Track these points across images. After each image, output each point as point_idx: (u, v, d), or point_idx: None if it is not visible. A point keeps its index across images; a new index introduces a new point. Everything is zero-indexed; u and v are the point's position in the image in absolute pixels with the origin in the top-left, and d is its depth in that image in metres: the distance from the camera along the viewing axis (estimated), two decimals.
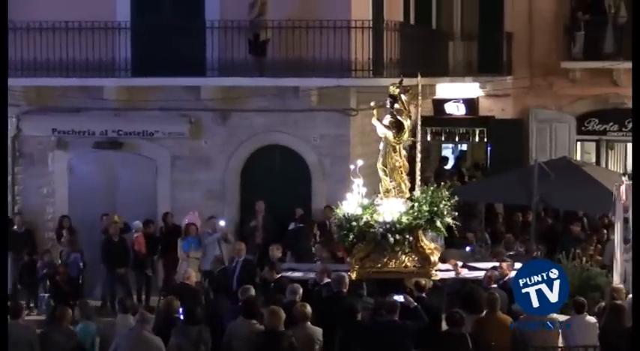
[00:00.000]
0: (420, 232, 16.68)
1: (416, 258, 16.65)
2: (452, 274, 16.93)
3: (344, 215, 16.68)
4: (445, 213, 16.72)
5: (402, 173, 16.87)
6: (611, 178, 19.04)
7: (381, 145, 16.91)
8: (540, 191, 19.66)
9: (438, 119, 29.49)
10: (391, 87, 16.90)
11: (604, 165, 27.66)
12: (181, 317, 14.26)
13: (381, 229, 16.42)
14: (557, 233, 21.79)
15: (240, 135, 22.03)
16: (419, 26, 25.32)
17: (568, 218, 22.72)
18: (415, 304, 14.42)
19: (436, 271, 16.71)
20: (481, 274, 16.73)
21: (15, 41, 21.16)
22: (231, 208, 22.08)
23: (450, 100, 29.15)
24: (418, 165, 17.32)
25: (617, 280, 16.66)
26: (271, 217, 21.29)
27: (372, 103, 17.14)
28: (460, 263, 17.30)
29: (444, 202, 16.73)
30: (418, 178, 17.22)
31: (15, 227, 21.44)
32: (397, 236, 16.41)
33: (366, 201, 16.73)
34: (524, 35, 27.98)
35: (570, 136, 27.88)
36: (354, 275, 16.38)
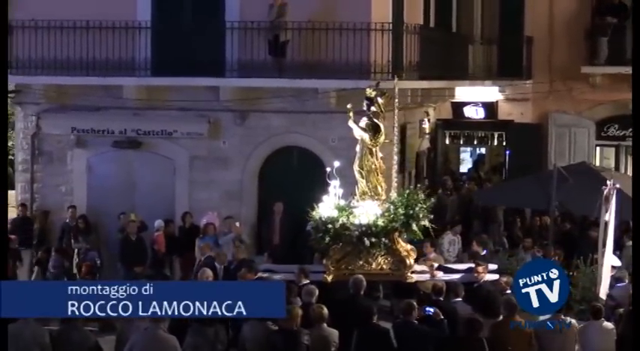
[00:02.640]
0: (396, 234, 16.71)
1: (392, 260, 16.71)
2: (427, 276, 16.90)
3: (320, 217, 16.71)
4: (421, 216, 16.75)
5: (378, 175, 16.98)
6: (630, 184, 18.96)
7: (358, 148, 16.98)
8: (559, 196, 19.59)
9: (456, 122, 29.49)
10: (368, 89, 17.01)
11: (623, 171, 27.52)
12: None
13: (356, 232, 16.49)
14: (574, 238, 21.72)
15: (258, 136, 22.05)
16: (439, 29, 25.27)
17: (586, 223, 22.64)
18: (442, 317, 14.36)
19: (412, 273, 16.76)
20: (456, 276, 16.79)
21: (36, 39, 21.29)
22: (248, 209, 22.10)
23: (469, 103, 29.12)
24: (395, 167, 17.34)
25: (600, 289, 16.58)
26: (289, 218, 21.27)
27: (349, 106, 17.18)
28: (436, 265, 17.26)
29: (419, 204, 16.75)
30: (395, 179, 17.22)
31: (67, 221, 21.62)
32: (373, 239, 16.49)
33: (343, 203, 16.77)
34: (544, 39, 27.89)
35: (589, 141, 27.81)
36: (329, 277, 16.46)
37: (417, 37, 22.09)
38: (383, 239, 16.52)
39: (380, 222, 16.51)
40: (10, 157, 28.18)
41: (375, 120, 16.87)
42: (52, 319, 14.58)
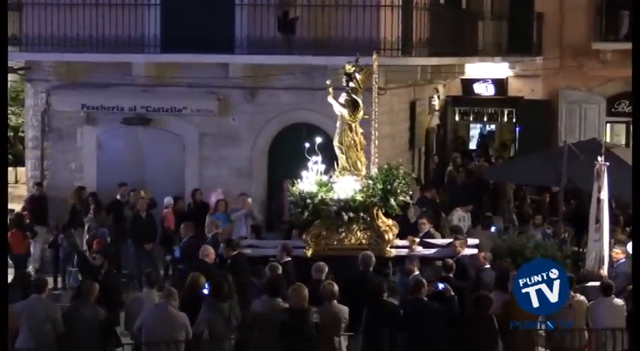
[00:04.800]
0: (376, 209, 16.74)
1: (371, 235, 16.76)
2: (406, 251, 16.92)
3: (299, 193, 16.73)
4: (399, 191, 16.78)
5: (357, 151, 16.99)
6: None
7: (338, 124, 16.99)
8: (569, 173, 19.56)
9: (466, 99, 29.45)
10: (347, 65, 16.98)
11: None
12: (204, 292, 14.25)
13: (334, 207, 16.55)
14: (584, 215, 21.65)
15: (267, 112, 22.03)
16: (449, 5, 25.20)
17: None
18: (452, 293, 14.37)
19: (391, 248, 16.80)
20: (434, 251, 16.85)
21: (46, 16, 21.27)
22: (258, 186, 22.12)
23: (478, 80, 29.07)
24: (375, 142, 17.34)
25: (589, 264, 16.61)
26: None
27: (328, 82, 17.15)
28: (417, 240, 17.28)
29: (397, 180, 16.76)
30: (375, 156, 17.23)
31: (118, 197, 21.51)
32: (351, 214, 16.55)
33: (325, 178, 16.83)
34: (554, 15, 27.79)
35: (600, 117, 27.74)
36: (309, 252, 16.54)
37: (426, 13, 22.02)
38: (361, 214, 16.60)
39: (358, 197, 16.61)
40: (20, 134, 28.29)
41: (354, 96, 16.88)
42: (64, 297, 14.65)
